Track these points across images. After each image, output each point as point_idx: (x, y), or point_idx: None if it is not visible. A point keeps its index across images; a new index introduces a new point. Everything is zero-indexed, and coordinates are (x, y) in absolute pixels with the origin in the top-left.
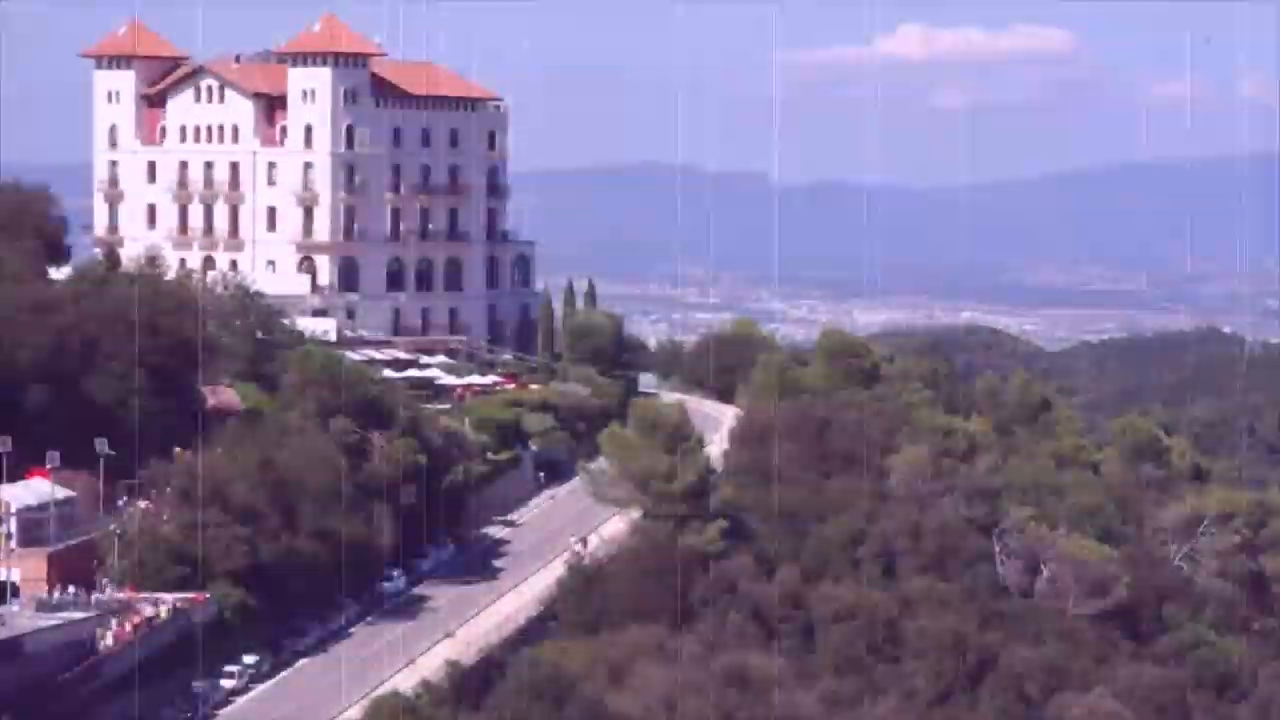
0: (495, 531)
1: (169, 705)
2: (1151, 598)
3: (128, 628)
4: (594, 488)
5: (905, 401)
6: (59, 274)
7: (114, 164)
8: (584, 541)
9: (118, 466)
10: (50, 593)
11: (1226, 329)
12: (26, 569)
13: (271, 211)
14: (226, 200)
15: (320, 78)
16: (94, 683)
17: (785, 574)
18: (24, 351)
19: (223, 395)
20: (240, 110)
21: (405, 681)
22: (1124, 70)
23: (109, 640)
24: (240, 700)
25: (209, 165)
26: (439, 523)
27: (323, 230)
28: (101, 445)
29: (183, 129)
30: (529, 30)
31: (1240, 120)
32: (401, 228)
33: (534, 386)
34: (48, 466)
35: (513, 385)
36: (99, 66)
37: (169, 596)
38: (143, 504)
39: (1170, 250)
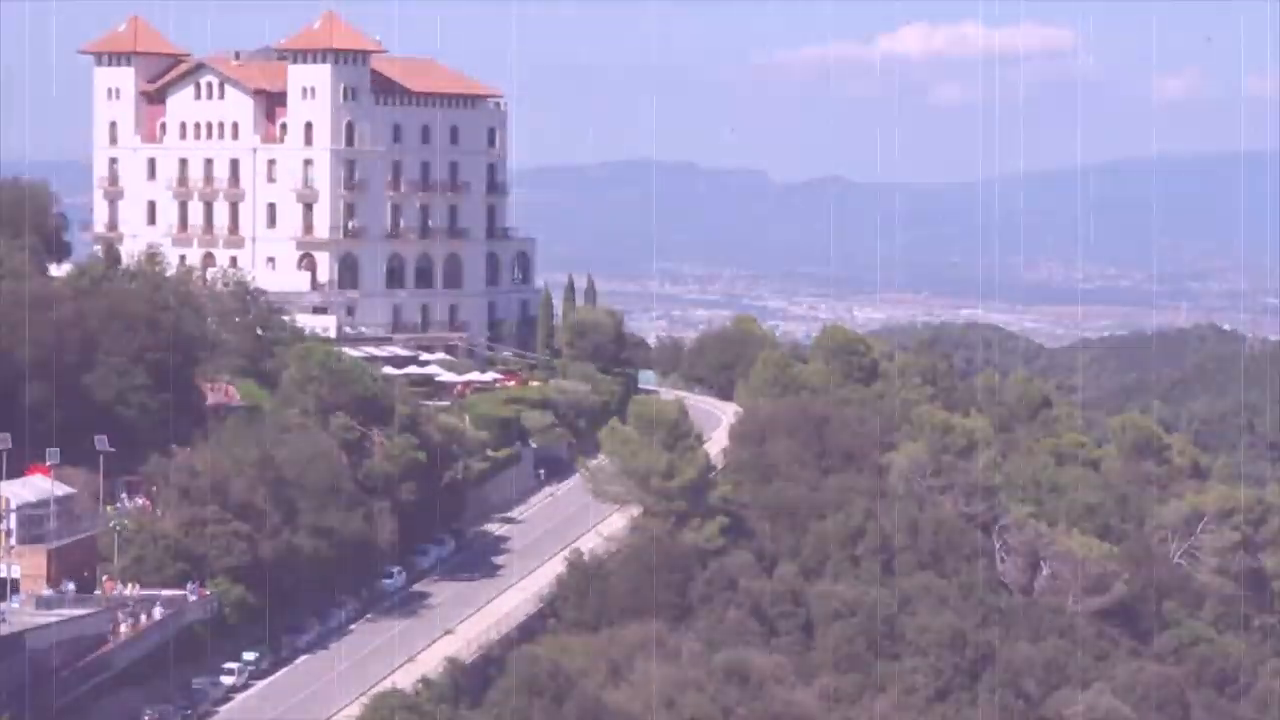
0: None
1: (169, 702)
2: (1151, 595)
3: (128, 624)
4: (594, 485)
5: (905, 398)
6: (59, 271)
7: (114, 161)
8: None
9: (117, 463)
10: (50, 589)
11: (1226, 326)
12: (26, 565)
13: (271, 208)
14: (226, 197)
15: (320, 74)
16: (94, 679)
17: (784, 571)
18: (24, 348)
19: (222, 392)
20: (240, 107)
21: (405, 678)
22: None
23: (109, 636)
24: (240, 697)
25: (209, 162)
26: (439, 520)
27: (322, 227)
28: (101, 442)
29: (183, 126)
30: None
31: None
32: (401, 224)
33: (534, 383)
34: (47, 463)
35: (512, 382)
36: (99, 63)
37: (168, 593)
38: (141, 500)
39: (1170, 248)
